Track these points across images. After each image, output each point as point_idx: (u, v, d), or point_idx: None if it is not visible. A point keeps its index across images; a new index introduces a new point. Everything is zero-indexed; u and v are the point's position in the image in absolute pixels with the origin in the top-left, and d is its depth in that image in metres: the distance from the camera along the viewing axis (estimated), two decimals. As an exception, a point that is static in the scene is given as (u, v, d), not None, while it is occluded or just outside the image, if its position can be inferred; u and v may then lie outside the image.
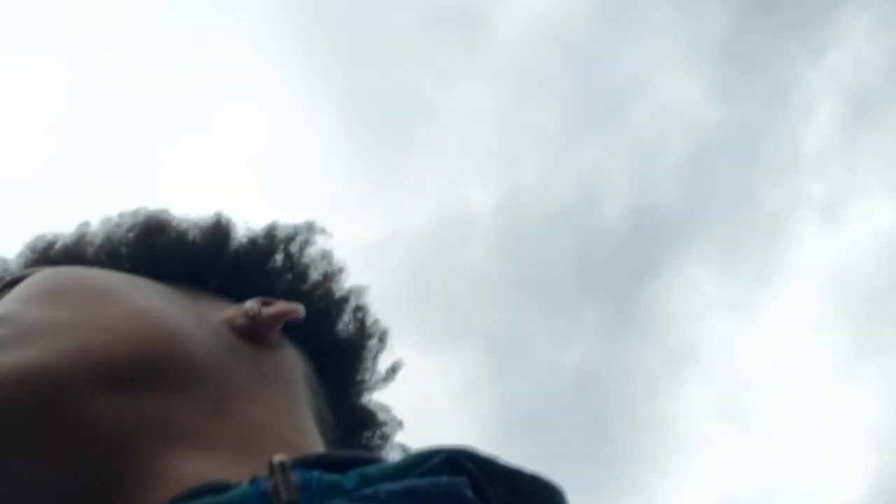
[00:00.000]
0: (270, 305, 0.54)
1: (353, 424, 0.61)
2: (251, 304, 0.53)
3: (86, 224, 0.62)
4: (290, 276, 0.61)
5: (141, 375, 0.45)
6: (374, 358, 0.63)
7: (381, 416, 0.63)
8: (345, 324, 0.62)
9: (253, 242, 0.62)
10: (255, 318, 0.53)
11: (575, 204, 6.88)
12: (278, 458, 0.38)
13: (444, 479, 0.40)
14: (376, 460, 0.42)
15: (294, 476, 0.38)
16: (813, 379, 6.92)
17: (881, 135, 6.82)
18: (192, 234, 0.61)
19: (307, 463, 0.40)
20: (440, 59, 6.98)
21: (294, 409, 0.52)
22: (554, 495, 0.44)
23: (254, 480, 0.39)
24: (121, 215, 0.62)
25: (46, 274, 0.53)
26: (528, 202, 6.91)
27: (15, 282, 0.53)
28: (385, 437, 0.62)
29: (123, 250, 0.59)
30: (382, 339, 0.64)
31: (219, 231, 0.61)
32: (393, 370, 0.64)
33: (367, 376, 0.63)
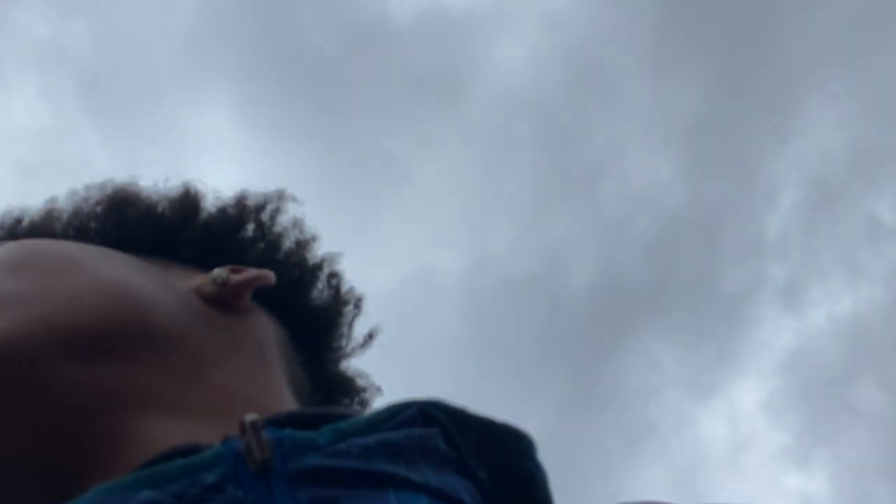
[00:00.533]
0: (240, 273, 0.54)
1: (332, 391, 0.60)
2: (219, 272, 0.53)
3: (53, 199, 0.61)
4: (262, 245, 0.61)
5: (108, 343, 0.45)
6: (350, 324, 0.63)
7: (360, 383, 0.62)
8: (319, 291, 0.62)
9: (223, 212, 0.61)
10: (223, 285, 0.52)
11: (541, 274, 6.92)
12: (249, 417, 0.38)
13: (417, 431, 0.41)
14: (348, 415, 0.42)
15: (266, 434, 0.38)
16: (767, 460, 6.94)
17: (841, 224, 6.98)
18: (161, 206, 0.60)
19: (278, 421, 0.40)
20: (417, 122, 7.06)
21: (266, 374, 0.52)
22: (524, 442, 0.44)
23: (226, 441, 0.38)
24: (87, 188, 0.61)
25: (9, 247, 0.53)
26: (495, 269, 6.93)
27: None
28: (364, 403, 0.62)
29: (92, 224, 0.59)
30: (358, 306, 0.63)
31: (188, 202, 0.60)
32: (370, 336, 0.64)
33: (343, 343, 0.62)
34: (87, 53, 6.18)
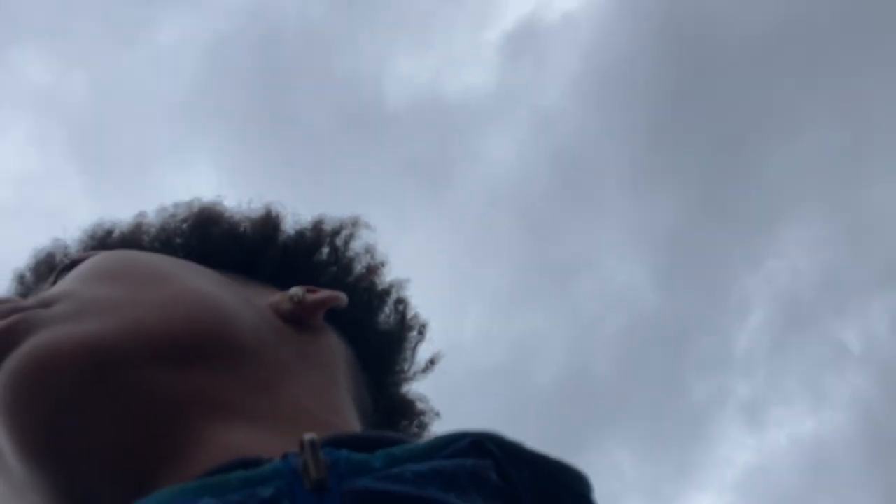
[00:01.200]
0: (315, 293, 0.56)
1: (392, 413, 0.62)
2: (296, 291, 0.55)
3: (142, 213, 0.65)
4: (335, 268, 0.63)
5: (190, 351, 0.47)
6: (414, 349, 0.65)
7: (420, 406, 0.64)
8: (386, 315, 0.64)
9: (301, 235, 0.64)
10: (299, 303, 0.54)
11: (508, 366, 6.92)
12: (308, 436, 0.39)
13: (470, 461, 0.41)
14: (404, 441, 0.43)
15: (323, 454, 0.39)
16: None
17: (808, 345, 7.06)
18: (244, 226, 0.63)
19: (337, 442, 0.41)
20: (402, 203, 7.12)
21: (333, 392, 0.53)
22: (579, 481, 0.44)
23: (285, 457, 0.39)
24: (176, 206, 0.64)
25: (105, 256, 0.56)
26: (462, 356, 6.92)
27: (74, 263, 0.56)
28: (422, 426, 0.63)
29: (177, 240, 0.62)
30: (422, 332, 0.65)
31: (269, 223, 0.63)
32: (432, 362, 0.65)
33: (406, 367, 0.64)
34: (82, 104, 6.22)
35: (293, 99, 6.80)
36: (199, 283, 0.53)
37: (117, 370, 0.45)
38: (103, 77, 6.22)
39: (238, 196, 0.65)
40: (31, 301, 0.50)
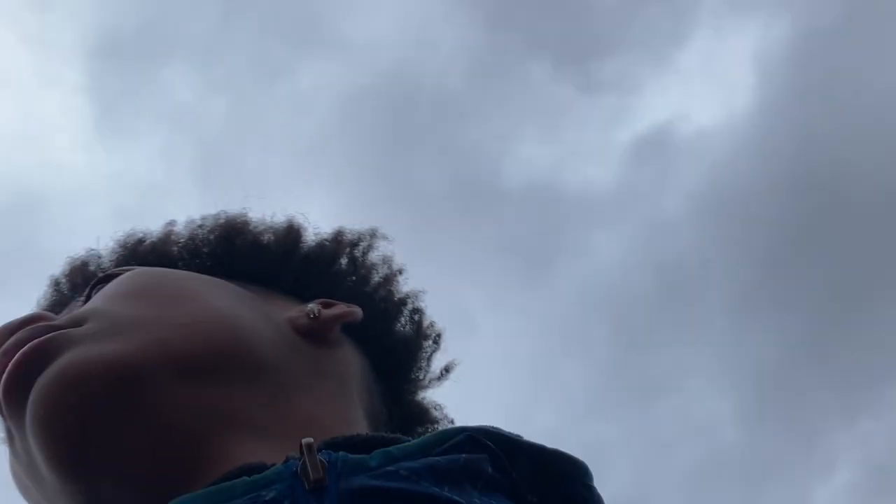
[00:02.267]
0: (331, 307, 0.58)
1: (407, 420, 0.63)
2: (312, 306, 0.57)
3: (172, 223, 0.68)
4: (353, 278, 0.65)
5: (210, 368, 0.49)
6: (429, 358, 0.67)
7: (434, 413, 0.66)
8: (402, 324, 0.66)
9: (321, 246, 0.66)
10: (315, 319, 0.57)
11: (570, 470, 6.74)
12: (306, 440, 0.41)
13: (464, 456, 0.42)
14: (400, 441, 0.44)
15: (321, 456, 0.41)
16: None
17: (892, 517, 6.64)
18: (267, 237, 0.65)
19: (335, 444, 0.43)
20: (497, 282, 7.10)
21: (346, 405, 0.55)
22: (577, 468, 0.46)
23: (286, 461, 0.42)
24: (204, 218, 0.67)
25: (134, 274, 0.58)
26: (526, 450, 6.79)
27: (107, 278, 0.58)
28: None
29: (204, 249, 0.65)
30: (437, 341, 0.67)
31: (291, 235, 0.66)
32: (446, 370, 0.67)
33: (421, 375, 0.66)
34: (216, 128, 6.47)
35: (413, 159, 6.92)
36: (221, 301, 0.55)
37: (142, 388, 0.47)
38: (241, 107, 6.47)
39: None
40: (63, 319, 0.53)
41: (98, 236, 0.68)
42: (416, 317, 0.67)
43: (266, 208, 0.68)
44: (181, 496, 0.42)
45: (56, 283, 0.67)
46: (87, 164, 6.26)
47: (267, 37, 6.51)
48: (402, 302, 0.67)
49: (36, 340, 0.49)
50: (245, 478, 0.41)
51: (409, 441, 0.44)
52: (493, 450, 0.44)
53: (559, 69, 6.88)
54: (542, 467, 0.45)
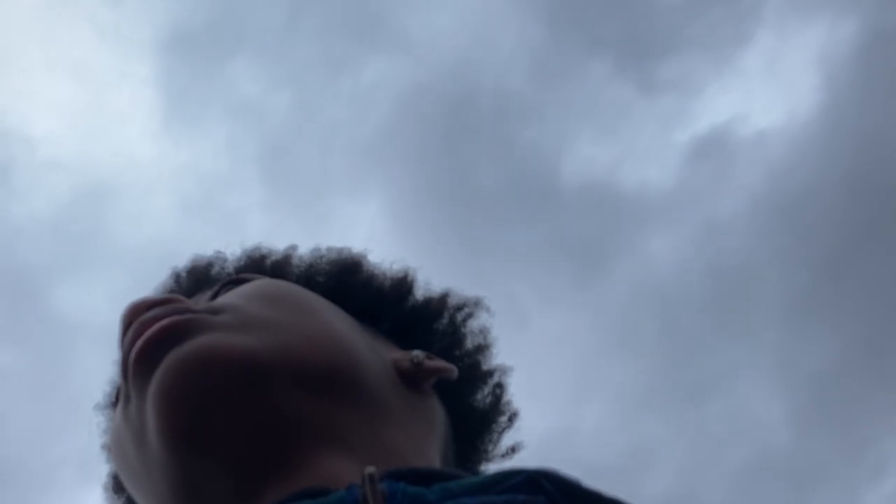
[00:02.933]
0: (433, 360, 0.61)
1: None
2: (418, 353, 0.60)
3: (294, 247, 0.72)
4: (449, 339, 0.68)
5: (323, 382, 0.52)
6: (501, 433, 0.69)
7: None
8: (483, 395, 0.68)
9: (428, 301, 0.69)
10: (418, 365, 0.59)
11: (619, 468, 6.78)
12: (369, 469, 0.42)
13: (521, 497, 0.43)
14: (460, 476, 0.45)
15: (382, 486, 0.42)
16: None
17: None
18: (382, 281, 0.69)
19: (397, 475, 0.44)
20: (551, 279, 7.15)
21: (429, 448, 0.57)
22: None
23: (350, 487, 0.43)
24: (328, 249, 0.71)
25: (268, 282, 0.63)
26: (574, 446, 6.85)
27: (237, 281, 0.63)
28: None
29: (320, 279, 0.68)
30: (511, 420, 0.69)
31: (404, 285, 0.69)
32: (513, 449, 0.69)
33: (490, 448, 0.68)
34: (280, 122, 6.61)
35: (471, 156, 6.97)
36: (341, 325, 0.58)
37: (261, 384, 0.50)
38: (304, 102, 6.59)
39: (393, 240, 0.73)
40: (201, 306, 0.56)
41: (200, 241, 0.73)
42: (498, 391, 0.69)
43: (383, 257, 0.72)
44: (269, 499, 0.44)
45: (177, 277, 0.71)
46: (155, 156, 6.45)
47: (331, 33, 6.62)
48: (489, 374, 0.69)
49: (177, 317, 0.52)
50: (308, 501, 0.42)
51: (468, 478, 0.45)
52: (551, 492, 0.44)
53: (620, 69, 6.89)
54: None
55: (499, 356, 0.70)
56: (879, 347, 6.84)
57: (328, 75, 6.68)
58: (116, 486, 0.67)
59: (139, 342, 0.51)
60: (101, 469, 0.69)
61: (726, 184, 6.96)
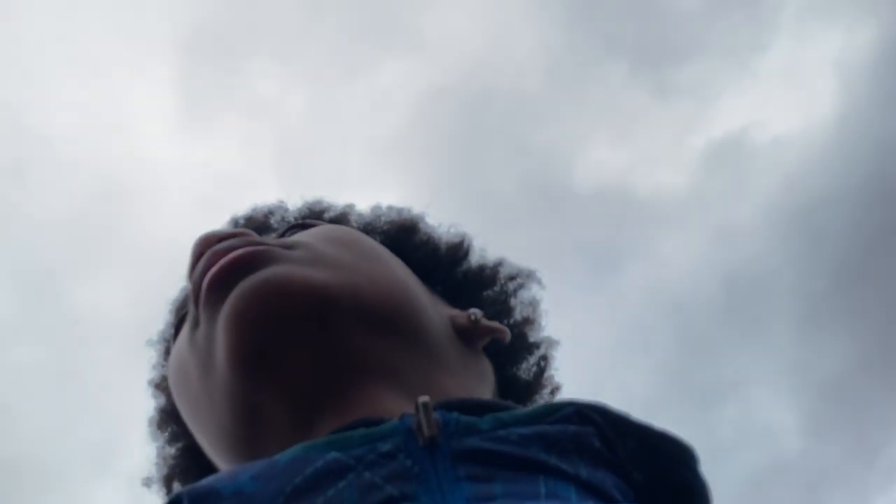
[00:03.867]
0: (489, 320, 0.62)
1: None
2: (475, 311, 0.61)
3: (352, 205, 0.73)
4: (498, 307, 0.69)
5: (385, 322, 0.53)
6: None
7: None
8: (528, 366, 0.68)
9: (482, 268, 0.70)
10: (475, 324, 0.60)
11: (629, 471, 6.78)
12: (422, 399, 0.43)
13: (573, 427, 0.43)
14: (510, 408, 0.46)
15: (436, 415, 0.42)
16: None
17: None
18: (438, 243, 0.70)
19: (449, 405, 0.45)
20: (563, 282, 7.15)
21: (479, 394, 0.58)
22: (685, 452, 0.46)
23: (403, 417, 0.44)
24: (389, 208, 0.72)
25: (336, 227, 0.64)
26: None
27: (303, 226, 0.64)
28: None
29: (377, 237, 0.68)
30: (553, 393, 0.69)
31: (460, 249, 0.71)
32: (553, 391, 0.70)
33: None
34: (295, 122, 6.62)
35: (486, 158, 6.98)
36: (403, 273, 0.60)
37: (329, 317, 0.51)
38: (320, 102, 6.60)
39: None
40: (273, 241, 0.58)
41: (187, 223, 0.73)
42: (543, 363, 0.69)
43: (446, 219, 0.72)
44: (306, 441, 0.44)
45: (236, 223, 0.71)
46: (173, 155, 6.47)
47: (349, 33, 6.63)
48: (535, 345, 0.70)
49: (251, 248, 0.53)
50: (363, 429, 0.43)
51: (520, 409, 0.45)
52: (601, 424, 0.44)
53: (636, 73, 6.88)
54: (648, 446, 0.45)
55: (546, 328, 0.71)
56: (892, 353, 6.83)
57: (345, 75, 6.69)
58: (163, 419, 0.67)
59: (214, 268, 0.52)
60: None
61: (741, 189, 6.95)
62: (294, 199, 0.73)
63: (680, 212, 6.97)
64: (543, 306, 0.71)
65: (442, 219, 0.73)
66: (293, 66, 6.62)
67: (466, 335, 0.60)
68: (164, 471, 0.67)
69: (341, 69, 6.63)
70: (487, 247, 0.72)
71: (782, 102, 7.16)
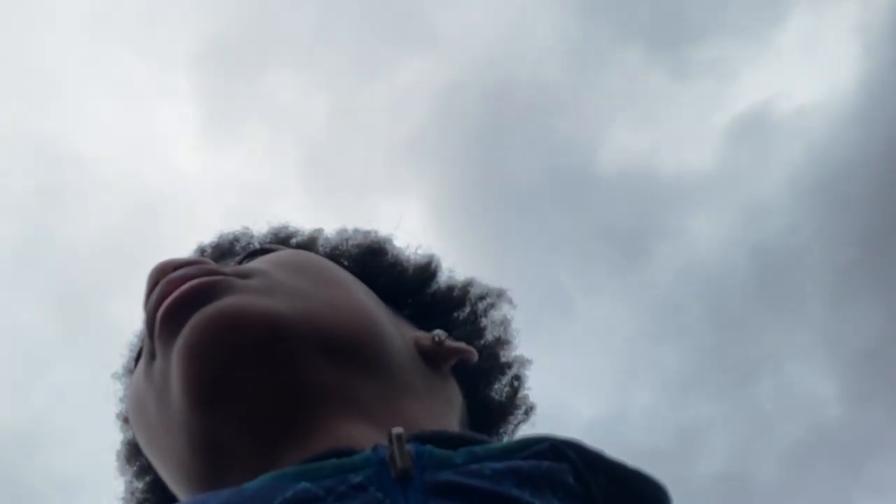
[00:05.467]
0: (454, 341, 0.60)
1: None
2: (439, 332, 0.60)
3: (320, 230, 0.71)
4: (469, 328, 0.67)
5: (346, 350, 0.51)
6: (516, 426, 0.67)
7: None
8: (500, 387, 0.67)
9: (450, 290, 0.69)
10: (439, 344, 0.59)
11: (669, 450, 6.85)
12: (396, 430, 0.42)
13: (546, 463, 0.43)
14: (485, 441, 0.45)
15: (409, 447, 0.41)
16: None
17: None
18: (406, 266, 0.68)
19: (423, 438, 0.43)
20: (594, 266, 7.19)
21: (447, 421, 0.57)
22: (658, 491, 0.45)
23: (375, 448, 0.42)
24: (354, 231, 0.70)
25: (294, 252, 0.62)
26: (626, 431, 6.93)
27: (263, 251, 0.63)
28: None
29: (344, 261, 0.67)
30: (528, 413, 0.67)
31: (427, 271, 0.69)
32: (527, 412, 0.68)
33: (503, 440, 0.63)
34: (318, 127, 6.69)
35: (509, 149, 7.01)
36: (365, 298, 0.58)
37: (286, 347, 0.49)
38: (341, 105, 6.67)
39: (436, 236, 0.76)
40: (229, 269, 0.56)
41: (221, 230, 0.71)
42: (516, 384, 0.68)
43: (412, 241, 0.71)
44: (273, 471, 0.43)
45: (202, 250, 0.70)
46: (200, 168, 6.58)
47: (364, 37, 6.67)
48: (507, 365, 0.68)
49: (206, 278, 0.52)
50: (334, 460, 0.42)
51: (493, 443, 0.45)
52: (575, 461, 0.44)
53: (654, 55, 6.86)
54: (621, 485, 0.44)
55: (519, 348, 0.69)
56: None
57: (363, 78, 6.74)
58: (130, 453, 0.67)
59: (168, 300, 0.51)
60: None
61: (766, 163, 6.94)
62: (260, 226, 0.72)
63: (706, 190, 6.98)
64: (515, 325, 0.70)
65: (444, 234, 0.73)
66: (311, 73, 6.68)
67: (432, 357, 0.59)
68: None
69: (359, 73, 6.69)
70: (478, 272, 0.71)
71: (804, 72, 7.13)
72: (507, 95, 6.87)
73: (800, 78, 7.14)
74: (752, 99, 7.09)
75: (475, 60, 6.80)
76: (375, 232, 0.70)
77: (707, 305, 7.03)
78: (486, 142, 6.87)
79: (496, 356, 0.68)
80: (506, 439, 0.65)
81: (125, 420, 0.67)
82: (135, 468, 0.66)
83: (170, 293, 0.52)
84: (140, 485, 0.66)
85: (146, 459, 0.61)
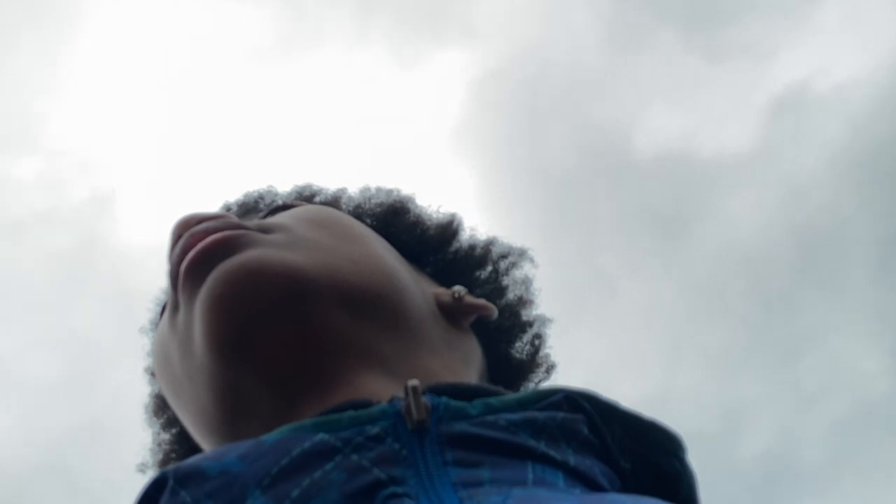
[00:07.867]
0: (472, 297, 0.61)
1: None
2: (459, 288, 0.61)
3: (344, 189, 0.72)
4: (490, 287, 0.68)
5: (366, 304, 0.52)
6: (537, 385, 0.67)
7: None
8: (521, 346, 0.67)
9: (472, 248, 0.69)
10: (458, 300, 0.60)
11: (714, 431, 6.87)
12: (412, 382, 0.42)
13: (561, 414, 0.43)
14: (499, 393, 0.45)
15: (425, 399, 0.42)
16: None
17: None
18: (428, 224, 0.69)
19: (438, 390, 0.44)
20: (635, 249, 7.21)
21: (465, 375, 0.57)
22: (672, 441, 0.46)
23: (391, 400, 0.43)
24: (378, 189, 0.71)
25: (317, 208, 0.63)
26: (671, 411, 6.96)
27: (285, 207, 0.64)
28: None
29: (367, 219, 0.67)
30: (548, 372, 0.68)
31: (449, 229, 0.69)
32: (548, 370, 0.69)
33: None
34: (353, 122, 6.76)
35: (545, 132, 7.03)
36: (385, 253, 0.58)
37: (307, 300, 0.50)
38: (377, 99, 6.72)
39: (479, 227, 0.72)
40: (252, 224, 0.57)
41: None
42: (536, 342, 0.68)
43: (431, 198, 0.71)
44: (292, 422, 0.43)
45: (227, 207, 0.70)
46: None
47: (399, 29, 6.73)
48: (528, 324, 0.68)
49: (229, 231, 0.52)
50: (351, 412, 0.42)
51: (508, 394, 0.45)
52: (590, 412, 0.44)
53: (690, 36, 6.83)
54: (636, 435, 0.45)
55: (540, 307, 0.70)
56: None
57: (401, 70, 6.80)
58: (157, 406, 0.68)
59: (192, 252, 0.52)
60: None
61: (807, 141, 6.88)
62: (286, 185, 0.72)
63: (746, 170, 6.95)
64: (536, 284, 0.70)
65: (484, 218, 0.72)
66: (347, 67, 6.75)
67: (451, 313, 0.59)
68: (159, 456, 0.68)
69: (396, 64, 6.75)
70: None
71: (842, 48, 7.04)
72: (544, 82, 6.89)
73: (838, 54, 7.06)
74: (790, 77, 7.03)
75: (510, 48, 6.84)
76: (398, 190, 0.71)
77: (751, 283, 7.02)
78: (524, 129, 6.91)
79: (517, 315, 0.68)
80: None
81: (152, 374, 0.69)
82: (162, 420, 0.68)
83: (193, 246, 0.52)
84: (167, 436, 0.68)
85: (172, 412, 0.63)
